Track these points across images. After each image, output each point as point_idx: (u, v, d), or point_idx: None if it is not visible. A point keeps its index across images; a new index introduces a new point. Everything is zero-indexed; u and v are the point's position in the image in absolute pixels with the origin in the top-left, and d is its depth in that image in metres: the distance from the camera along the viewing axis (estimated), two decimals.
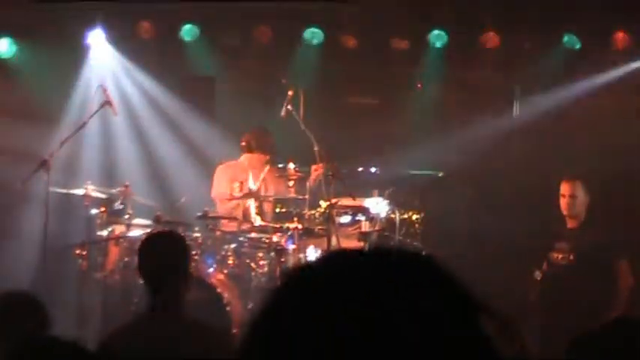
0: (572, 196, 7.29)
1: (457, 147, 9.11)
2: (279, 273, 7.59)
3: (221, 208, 8.24)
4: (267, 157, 8.34)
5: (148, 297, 4.15)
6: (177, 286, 4.14)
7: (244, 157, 8.42)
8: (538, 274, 7.35)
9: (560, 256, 7.29)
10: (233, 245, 7.72)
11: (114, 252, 7.72)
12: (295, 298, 1.12)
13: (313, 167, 7.89)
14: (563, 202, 7.31)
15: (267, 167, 8.33)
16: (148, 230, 7.71)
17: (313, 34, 9.29)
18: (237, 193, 8.15)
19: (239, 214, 8.11)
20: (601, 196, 7.66)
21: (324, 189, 7.75)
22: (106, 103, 7.88)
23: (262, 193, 8.24)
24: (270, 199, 8.27)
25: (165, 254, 4.24)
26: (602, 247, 7.15)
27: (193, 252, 7.48)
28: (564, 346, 2.73)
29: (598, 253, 7.12)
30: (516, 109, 9.50)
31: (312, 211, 7.96)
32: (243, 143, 8.38)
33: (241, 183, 8.18)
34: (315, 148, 7.79)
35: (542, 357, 6.55)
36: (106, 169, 9.13)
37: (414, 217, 8.17)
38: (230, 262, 7.64)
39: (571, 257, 7.24)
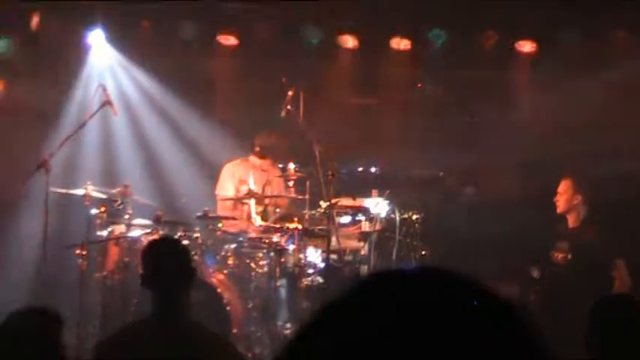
0: (558, 194, 7.43)
1: (457, 147, 9.11)
2: (279, 273, 7.60)
3: (220, 208, 8.26)
4: (277, 163, 8.36)
5: (152, 302, 4.11)
6: (183, 291, 4.12)
7: (254, 159, 8.41)
8: (535, 273, 7.37)
9: (560, 255, 7.32)
10: (233, 245, 7.72)
11: (114, 252, 7.72)
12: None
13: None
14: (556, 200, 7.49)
15: (274, 171, 8.36)
16: (148, 230, 7.72)
17: (313, 34, 9.29)
18: (241, 194, 8.19)
19: (241, 214, 8.12)
20: (600, 196, 7.67)
21: (324, 189, 7.75)
22: (106, 102, 7.86)
23: (267, 193, 8.25)
24: (273, 199, 8.27)
25: (169, 259, 4.21)
26: (599, 247, 7.17)
27: (193, 252, 7.50)
28: (565, 345, 2.80)
29: (594, 252, 7.14)
30: (516, 109, 9.50)
31: (312, 211, 7.97)
32: (257, 148, 8.34)
33: (248, 184, 8.20)
34: (315, 149, 7.78)
35: None
36: (106, 169, 9.12)
37: (414, 217, 8.16)
38: (230, 262, 7.64)
39: (569, 257, 7.26)
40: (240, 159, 8.50)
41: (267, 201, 8.23)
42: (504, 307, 1.10)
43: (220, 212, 8.19)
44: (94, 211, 7.72)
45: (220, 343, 4.26)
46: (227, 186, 8.34)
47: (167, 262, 4.17)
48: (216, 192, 8.40)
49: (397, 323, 1.05)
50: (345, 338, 1.06)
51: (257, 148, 8.36)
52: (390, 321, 1.05)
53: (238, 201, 8.20)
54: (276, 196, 8.25)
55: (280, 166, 8.34)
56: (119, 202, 7.79)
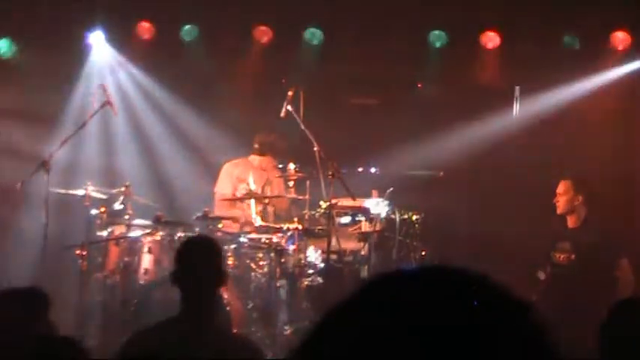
0: (558, 194, 7.41)
1: (457, 147, 9.11)
2: (279, 273, 7.59)
3: (218, 207, 8.26)
4: (276, 162, 8.37)
5: (183, 302, 4.11)
6: (211, 292, 4.13)
7: (253, 158, 8.43)
8: (541, 274, 7.37)
9: (562, 256, 7.31)
10: (233, 246, 7.72)
11: (114, 252, 7.71)
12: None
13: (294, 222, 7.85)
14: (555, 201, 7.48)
15: (274, 171, 8.36)
16: (148, 230, 7.72)
17: (313, 34, 9.28)
18: (240, 194, 8.19)
19: (241, 214, 8.12)
20: (601, 196, 7.67)
21: (324, 189, 7.75)
22: (106, 103, 7.87)
23: (266, 193, 8.25)
24: (273, 199, 8.27)
25: (204, 259, 4.21)
26: (602, 246, 7.17)
27: None
28: (566, 344, 2.77)
29: (598, 252, 7.14)
30: (516, 109, 9.49)
31: (312, 212, 7.97)
32: (256, 145, 8.38)
33: (248, 184, 8.20)
34: (315, 148, 7.78)
35: None
36: (106, 169, 9.12)
37: (414, 217, 8.16)
38: (230, 262, 7.63)
39: (572, 257, 7.25)
40: (240, 159, 8.52)
41: (266, 201, 8.23)
42: (517, 306, 1.09)
43: (218, 211, 8.19)
44: (94, 211, 7.72)
45: (247, 346, 4.28)
46: (225, 185, 8.35)
47: (199, 262, 4.17)
48: (215, 190, 8.40)
49: (404, 324, 1.04)
50: (351, 341, 1.06)
51: (256, 145, 8.40)
52: (396, 322, 1.05)
53: (237, 201, 8.20)
54: (276, 197, 8.25)
55: (280, 166, 8.34)
56: (119, 202, 7.79)
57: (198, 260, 4.18)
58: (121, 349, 4.11)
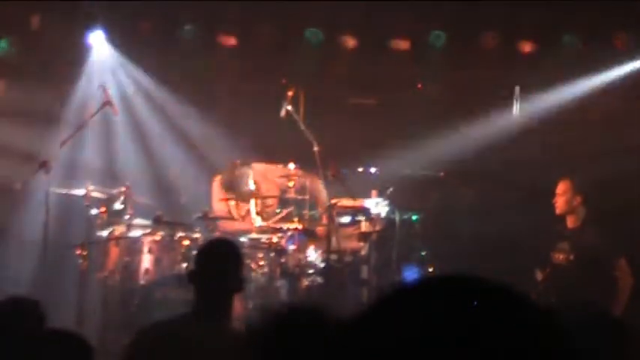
0: (557, 195, 7.42)
1: (457, 147, 9.11)
2: (279, 273, 7.60)
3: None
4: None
5: (197, 302, 4.12)
6: (230, 295, 4.14)
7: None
8: (540, 275, 7.37)
9: (561, 256, 7.32)
10: None
11: (114, 252, 7.72)
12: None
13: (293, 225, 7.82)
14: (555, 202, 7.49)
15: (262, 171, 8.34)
16: (148, 230, 7.72)
17: (313, 34, 9.29)
18: (234, 212, 8.15)
19: (239, 214, 8.12)
20: (601, 196, 7.67)
21: (325, 189, 7.76)
22: (107, 103, 7.88)
23: (264, 193, 8.26)
24: (270, 200, 8.27)
25: (224, 261, 4.22)
26: (601, 247, 7.18)
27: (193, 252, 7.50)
28: None
29: (597, 252, 7.15)
30: (516, 109, 9.49)
31: (312, 212, 7.97)
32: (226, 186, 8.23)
33: (237, 203, 8.13)
34: (315, 149, 7.79)
35: None
36: (106, 169, 9.12)
37: (414, 217, 8.16)
38: None
39: (571, 257, 7.26)
40: (226, 171, 8.38)
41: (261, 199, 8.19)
42: (542, 316, 1.08)
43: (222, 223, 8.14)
44: (94, 211, 7.73)
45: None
46: (219, 202, 8.24)
47: (218, 263, 4.19)
48: (215, 210, 8.24)
49: (422, 337, 1.03)
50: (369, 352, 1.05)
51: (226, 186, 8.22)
52: (420, 334, 1.04)
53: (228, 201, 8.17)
54: (271, 196, 8.25)
55: (280, 165, 8.34)
56: (119, 202, 7.79)
57: (220, 262, 4.19)
58: (133, 340, 4.11)
